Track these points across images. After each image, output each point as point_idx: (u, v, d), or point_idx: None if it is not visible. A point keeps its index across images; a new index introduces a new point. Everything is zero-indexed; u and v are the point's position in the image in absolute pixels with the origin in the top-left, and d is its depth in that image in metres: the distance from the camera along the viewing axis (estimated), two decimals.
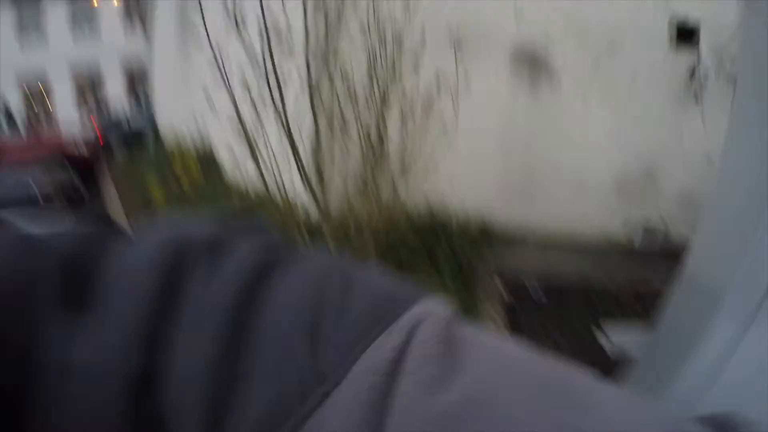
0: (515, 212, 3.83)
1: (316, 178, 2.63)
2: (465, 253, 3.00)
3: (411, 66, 2.61)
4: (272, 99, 2.44)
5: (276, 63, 2.38)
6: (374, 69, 2.40)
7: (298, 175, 2.57)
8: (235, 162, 2.67)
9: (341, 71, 2.49)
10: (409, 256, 2.95)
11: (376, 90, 2.41)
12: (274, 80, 2.36)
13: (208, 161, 5.38)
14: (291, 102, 2.44)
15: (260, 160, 2.57)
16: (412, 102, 2.67)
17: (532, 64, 3.73)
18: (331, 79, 2.48)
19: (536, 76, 3.72)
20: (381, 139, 2.49)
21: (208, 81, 2.63)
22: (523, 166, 3.80)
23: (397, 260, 2.85)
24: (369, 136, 2.45)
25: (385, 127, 2.49)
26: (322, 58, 2.52)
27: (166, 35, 8.13)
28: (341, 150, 2.66)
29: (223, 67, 2.33)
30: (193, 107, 5.66)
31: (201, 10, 2.38)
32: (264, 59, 2.31)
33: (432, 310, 0.25)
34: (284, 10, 2.41)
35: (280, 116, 2.45)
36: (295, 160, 2.54)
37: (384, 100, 2.43)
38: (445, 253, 2.99)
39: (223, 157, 4.99)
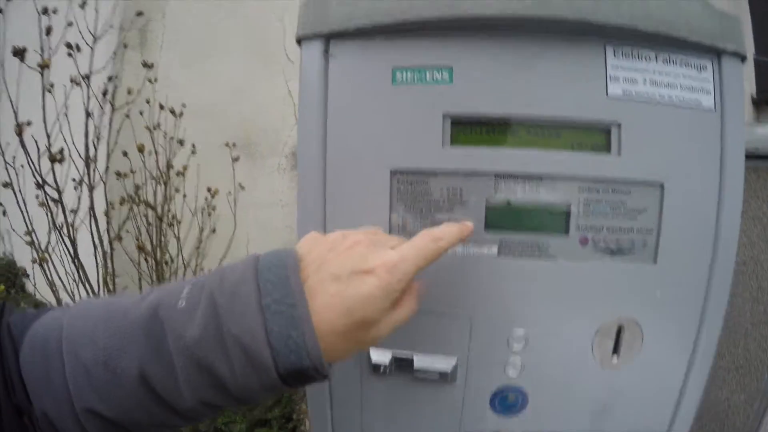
0: None
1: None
2: None
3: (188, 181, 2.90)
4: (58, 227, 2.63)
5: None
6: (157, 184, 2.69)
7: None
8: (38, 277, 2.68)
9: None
10: None
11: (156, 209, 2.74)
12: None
13: (9, 275, 5.03)
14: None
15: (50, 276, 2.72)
16: (195, 214, 2.96)
17: None
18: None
19: None
20: (161, 256, 2.84)
21: None
22: None
23: None
24: (151, 253, 2.80)
25: (165, 242, 2.85)
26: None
27: None
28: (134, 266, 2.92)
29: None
30: None
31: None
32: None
33: None
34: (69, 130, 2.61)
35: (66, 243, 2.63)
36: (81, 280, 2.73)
37: (162, 216, 2.79)
38: None
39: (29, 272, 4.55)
